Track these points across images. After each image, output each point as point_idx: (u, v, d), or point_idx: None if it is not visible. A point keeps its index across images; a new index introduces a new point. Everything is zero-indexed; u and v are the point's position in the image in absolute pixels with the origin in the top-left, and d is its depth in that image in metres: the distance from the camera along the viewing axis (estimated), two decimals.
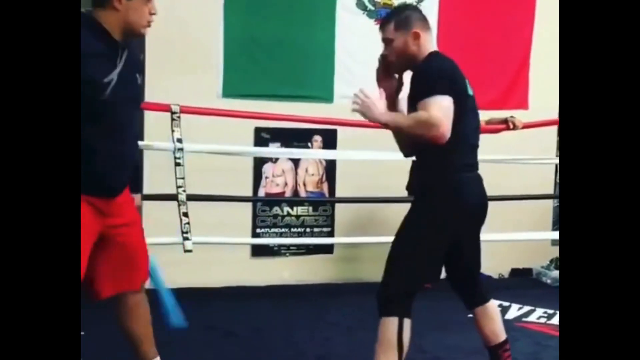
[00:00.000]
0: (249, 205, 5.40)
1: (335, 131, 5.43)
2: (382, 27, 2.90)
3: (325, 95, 5.43)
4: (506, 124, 4.98)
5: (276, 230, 5.48)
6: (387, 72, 2.93)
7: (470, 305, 3.04)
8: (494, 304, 3.05)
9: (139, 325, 2.89)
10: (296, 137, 5.41)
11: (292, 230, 5.51)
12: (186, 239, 4.41)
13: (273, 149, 5.39)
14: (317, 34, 5.41)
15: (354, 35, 5.48)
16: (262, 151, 5.35)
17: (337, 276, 5.55)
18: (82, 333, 3.67)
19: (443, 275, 3.00)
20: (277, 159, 5.45)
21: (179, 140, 4.42)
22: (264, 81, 5.29)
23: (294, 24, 5.39)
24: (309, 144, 5.48)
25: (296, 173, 5.50)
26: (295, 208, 5.52)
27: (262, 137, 5.36)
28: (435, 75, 2.72)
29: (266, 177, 5.43)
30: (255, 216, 5.43)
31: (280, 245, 5.49)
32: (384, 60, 2.91)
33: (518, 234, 5.12)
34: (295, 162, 5.49)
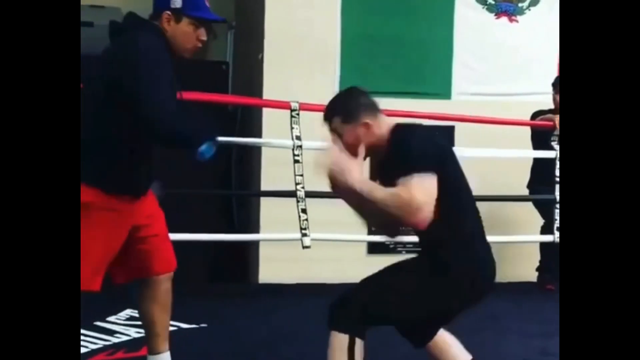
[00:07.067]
0: None
1: (452, 127, 5.34)
2: (327, 118, 2.65)
3: (443, 91, 5.37)
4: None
5: None
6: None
7: (419, 345, 2.80)
8: (441, 332, 2.77)
9: (159, 311, 2.79)
10: None
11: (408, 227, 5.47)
12: (305, 235, 4.47)
13: None
14: (435, 30, 5.35)
15: (473, 31, 5.39)
16: None
17: None
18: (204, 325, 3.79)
19: None
20: None
21: (298, 138, 4.47)
22: (381, 78, 5.28)
23: (412, 20, 5.35)
24: None
25: None
26: None
27: None
28: (417, 151, 2.44)
29: None
30: None
31: (396, 243, 5.46)
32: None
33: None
34: None
